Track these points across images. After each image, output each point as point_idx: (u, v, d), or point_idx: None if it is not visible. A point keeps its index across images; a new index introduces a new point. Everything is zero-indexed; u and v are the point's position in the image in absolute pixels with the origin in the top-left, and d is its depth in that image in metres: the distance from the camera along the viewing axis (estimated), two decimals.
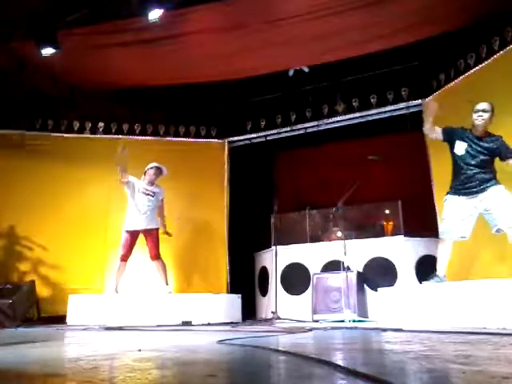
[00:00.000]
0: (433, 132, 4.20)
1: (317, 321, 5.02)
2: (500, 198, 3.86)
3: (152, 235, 5.49)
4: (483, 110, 4.01)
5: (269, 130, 7.01)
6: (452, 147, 4.13)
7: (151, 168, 5.59)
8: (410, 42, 5.28)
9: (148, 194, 5.54)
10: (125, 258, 5.43)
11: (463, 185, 4.03)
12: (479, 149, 4.00)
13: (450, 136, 4.14)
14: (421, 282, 5.13)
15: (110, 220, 6.13)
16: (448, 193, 4.16)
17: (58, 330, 4.38)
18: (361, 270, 5.43)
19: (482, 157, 3.98)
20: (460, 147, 4.06)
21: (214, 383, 1.30)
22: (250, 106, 7.21)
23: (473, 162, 3.99)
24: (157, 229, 5.54)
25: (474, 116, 4.04)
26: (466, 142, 4.06)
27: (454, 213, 4.04)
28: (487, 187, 3.91)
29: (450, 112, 5.04)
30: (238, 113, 7.22)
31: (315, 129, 6.77)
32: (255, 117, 7.08)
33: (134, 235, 5.47)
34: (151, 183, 5.60)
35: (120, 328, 4.23)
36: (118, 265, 5.43)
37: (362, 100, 6.44)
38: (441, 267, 4.08)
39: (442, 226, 4.17)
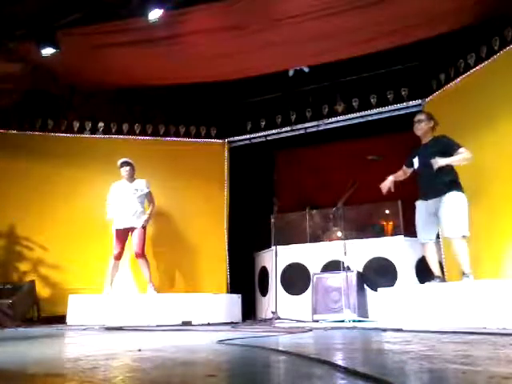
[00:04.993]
0: (404, 173, 4.53)
1: (317, 321, 5.02)
2: (451, 205, 3.96)
3: (136, 233, 5.56)
4: (418, 121, 4.32)
5: (269, 129, 7.01)
6: (410, 166, 4.40)
7: (121, 165, 5.70)
8: (410, 42, 5.28)
9: (128, 193, 5.65)
10: (117, 257, 5.55)
11: (423, 190, 4.24)
12: (427, 155, 4.16)
13: (409, 161, 4.42)
14: (421, 283, 5.14)
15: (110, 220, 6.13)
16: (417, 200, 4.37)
17: (58, 329, 4.38)
18: (361, 270, 5.44)
19: (431, 161, 4.09)
20: (416, 162, 4.31)
21: (214, 383, 1.30)
22: (250, 106, 7.21)
23: (426, 169, 4.13)
24: (142, 227, 5.60)
25: (414, 129, 4.34)
26: (417, 155, 4.30)
27: (419, 217, 4.26)
28: (444, 192, 4.03)
29: (449, 112, 5.06)
30: (238, 113, 7.22)
31: (315, 129, 6.77)
32: (255, 117, 7.08)
33: (123, 233, 5.58)
34: (130, 178, 5.72)
35: (120, 328, 4.24)
36: (112, 264, 5.54)
37: (362, 100, 6.44)
38: (435, 268, 4.13)
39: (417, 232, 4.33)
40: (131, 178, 5.75)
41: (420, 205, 4.27)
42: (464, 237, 3.90)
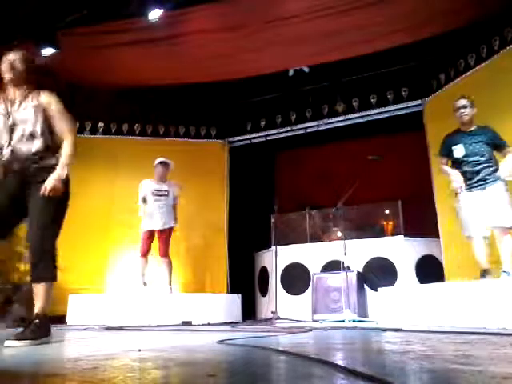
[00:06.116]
0: (444, 168, 4.21)
1: (317, 321, 5.03)
2: (501, 195, 3.86)
3: (164, 234, 5.52)
4: (463, 106, 4.10)
5: (269, 130, 7.02)
6: (452, 155, 4.13)
7: (157, 164, 5.61)
8: (410, 42, 5.28)
9: (161, 195, 5.58)
10: (144, 254, 5.48)
11: (472, 180, 3.99)
12: (476, 143, 4.02)
13: (447, 149, 4.18)
14: (421, 283, 5.14)
15: (110, 220, 6.13)
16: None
17: (58, 329, 4.38)
18: (361, 270, 5.44)
19: (481, 149, 3.99)
20: (459, 150, 4.08)
21: (214, 383, 1.30)
22: (250, 106, 7.21)
23: (476, 158, 3.99)
24: (170, 228, 5.55)
25: (458, 114, 4.13)
26: (461, 142, 4.09)
27: (467, 209, 4.00)
28: (492, 181, 3.92)
29: (449, 112, 5.04)
30: (238, 113, 7.22)
31: (315, 129, 6.78)
32: (255, 117, 7.09)
33: (151, 234, 5.54)
34: (162, 180, 5.63)
35: (120, 328, 4.23)
36: (141, 261, 5.47)
37: (362, 100, 6.44)
38: (484, 263, 3.89)
39: (462, 226, 4.08)
40: (164, 178, 5.67)
41: (465, 196, 4.02)
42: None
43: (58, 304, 5.61)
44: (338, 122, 6.64)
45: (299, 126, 6.85)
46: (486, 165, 3.96)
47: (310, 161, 7.61)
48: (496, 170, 3.92)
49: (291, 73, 6.42)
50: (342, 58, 5.68)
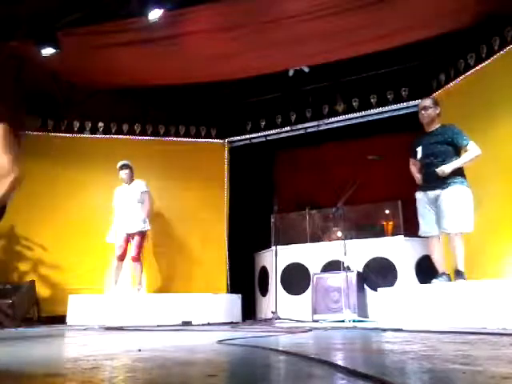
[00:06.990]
0: (411, 168, 4.29)
1: (317, 321, 5.03)
2: (454, 199, 3.81)
3: (136, 237, 5.56)
4: (423, 108, 4.10)
5: (269, 130, 7.01)
6: (416, 157, 4.16)
7: (120, 168, 5.71)
8: (410, 42, 5.28)
9: (129, 197, 5.67)
10: (120, 258, 5.56)
11: (427, 182, 4.02)
12: (432, 143, 4.00)
13: (413, 150, 4.21)
14: (421, 283, 5.14)
15: (110, 220, 6.12)
16: (416, 191, 4.17)
17: (58, 329, 4.38)
18: (361, 270, 5.44)
19: (437, 150, 3.95)
20: (419, 152, 4.11)
21: (214, 383, 1.30)
22: (250, 106, 7.22)
23: (430, 160, 3.99)
24: (140, 232, 5.58)
25: (419, 115, 4.13)
26: (422, 143, 4.10)
27: (421, 209, 4.07)
28: (447, 184, 3.86)
29: (449, 112, 5.06)
30: (238, 113, 7.22)
31: (315, 129, 6.77)
32: (255, 117, 7.08)
33: (125, 237, 5.60)
34: (129, 181, 5.73)
35: (120, 328, 4.24)
36: (116, 264, 5.54)
37: (362, 100, 6.44)
38: (439, 265, 4.02)
39: (419, 226, 4.15)
40: (130, 180, 5.75)
41: (421, 196, 4.07)
42: (462, 233, 3.78)
43: (58, 304, 5.63)
44: (337, 122, 6.63)
45: (299, 126, 6.85)
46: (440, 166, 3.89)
47: (310, 161, 7.60)
48: (455, 173, 3.85)
49: (291, 73, 6.42)
50: (342, 58, 5.68)
